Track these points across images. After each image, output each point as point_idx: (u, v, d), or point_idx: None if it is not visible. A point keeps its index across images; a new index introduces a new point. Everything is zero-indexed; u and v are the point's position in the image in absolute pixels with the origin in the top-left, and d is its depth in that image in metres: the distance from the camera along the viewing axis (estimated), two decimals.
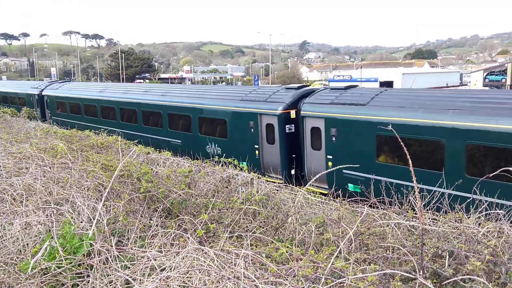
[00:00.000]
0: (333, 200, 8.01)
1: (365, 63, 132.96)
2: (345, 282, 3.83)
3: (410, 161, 4.90)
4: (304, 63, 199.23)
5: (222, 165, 9.49)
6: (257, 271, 4.28)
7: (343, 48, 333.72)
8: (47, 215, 5.53)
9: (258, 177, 8.50)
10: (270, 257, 4.71)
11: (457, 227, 5.51)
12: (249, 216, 6.70)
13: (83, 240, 4.68)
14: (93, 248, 4.56)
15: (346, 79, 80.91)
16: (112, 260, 4.45)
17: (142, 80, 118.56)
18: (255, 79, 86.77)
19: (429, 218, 6.39)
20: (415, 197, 4.32)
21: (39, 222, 5.35)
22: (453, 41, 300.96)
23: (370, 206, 7.04)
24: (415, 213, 6.12)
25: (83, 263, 4.45)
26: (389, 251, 5.13)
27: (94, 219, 5.11)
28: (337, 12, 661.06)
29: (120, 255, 4.54)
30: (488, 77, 74.09)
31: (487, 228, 5.32)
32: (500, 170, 6.61)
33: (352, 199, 7.65)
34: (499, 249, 4.79)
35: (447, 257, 4.47)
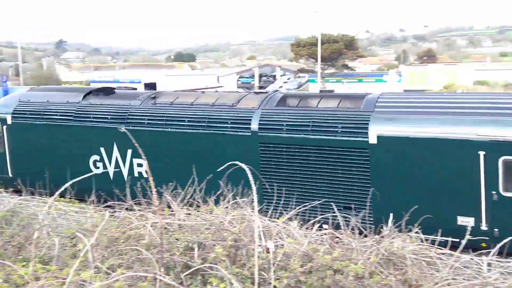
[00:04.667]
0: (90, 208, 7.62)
1: (128, 65, 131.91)
2: None
3: None
4: (62, 63, 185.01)
5: None
6: None
7: (104, 48, 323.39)
8: None
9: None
10: (8, 282, 4.15)
11: (207, 219, 5.90)
12: None
13: None
14: None
15: (110, 80, 78.70)
16: None
17: None
18: (2, 81, 76.07)
19: (183, 213, 6.65)
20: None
21: None
22: (210, 46, 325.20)
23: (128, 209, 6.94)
24: (172, 211, 6.32)
25: None
26: (149, 252, 5.13)
27: None
28: (92, 12, 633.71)
29: None
30: (240, 79, 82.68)
31: (232, 216, 5.85)
32: None
33: (110, 203, 7.39)
34: (242, 234, 5.32)
35: (197, 248, 4.74)
